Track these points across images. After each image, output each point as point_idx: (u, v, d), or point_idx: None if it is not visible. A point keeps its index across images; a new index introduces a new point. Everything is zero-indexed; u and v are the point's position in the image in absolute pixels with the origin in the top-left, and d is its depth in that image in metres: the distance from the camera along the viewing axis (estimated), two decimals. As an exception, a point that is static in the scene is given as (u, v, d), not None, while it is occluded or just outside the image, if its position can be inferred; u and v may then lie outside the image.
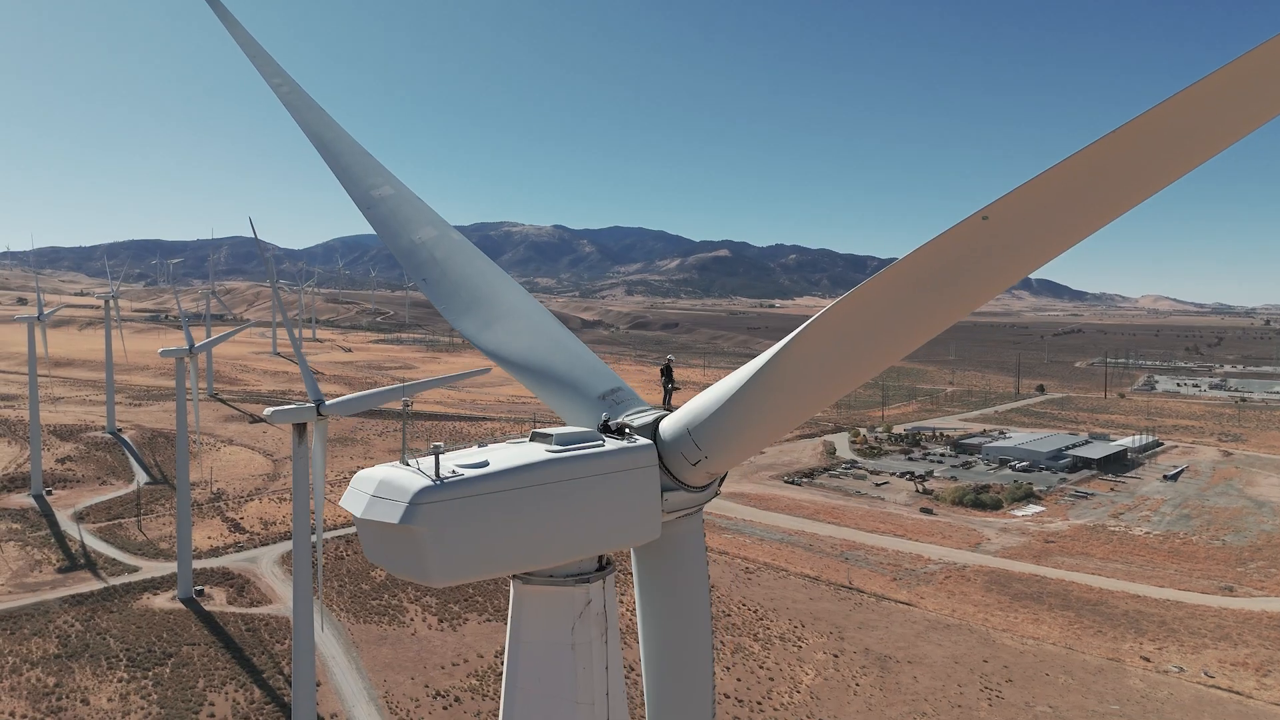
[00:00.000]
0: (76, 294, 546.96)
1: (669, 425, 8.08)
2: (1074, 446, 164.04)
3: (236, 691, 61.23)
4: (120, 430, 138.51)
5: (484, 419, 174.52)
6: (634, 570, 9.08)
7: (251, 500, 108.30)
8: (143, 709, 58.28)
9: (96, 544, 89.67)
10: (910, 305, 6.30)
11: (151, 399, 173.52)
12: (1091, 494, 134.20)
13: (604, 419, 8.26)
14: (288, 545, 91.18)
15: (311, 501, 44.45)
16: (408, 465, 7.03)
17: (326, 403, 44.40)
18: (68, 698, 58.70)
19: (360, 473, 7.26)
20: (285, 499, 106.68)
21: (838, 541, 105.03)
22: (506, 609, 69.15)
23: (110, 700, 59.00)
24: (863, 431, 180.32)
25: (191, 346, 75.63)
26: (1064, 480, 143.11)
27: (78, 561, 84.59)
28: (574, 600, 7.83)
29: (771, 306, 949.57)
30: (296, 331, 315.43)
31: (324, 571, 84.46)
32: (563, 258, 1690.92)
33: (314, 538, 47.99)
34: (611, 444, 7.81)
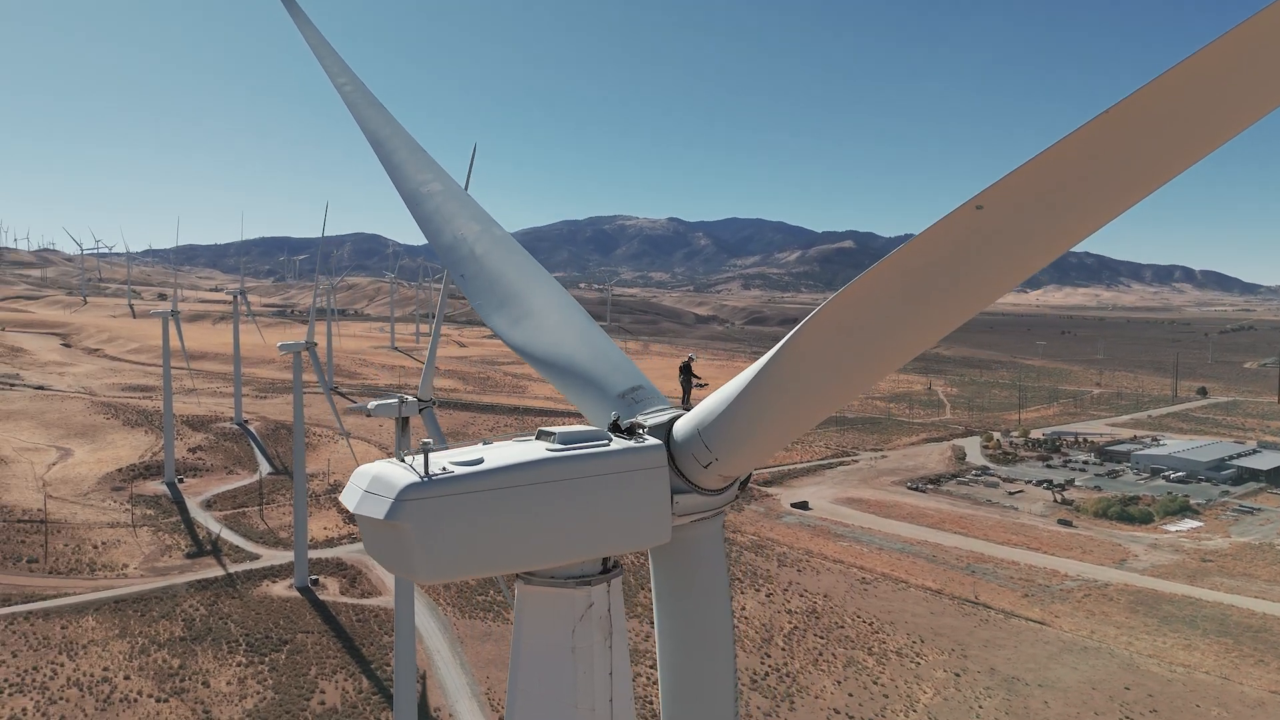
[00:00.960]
0: (211, 290, 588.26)
1: (682, 425, 7.95)
2: (1239, 456, 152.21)
3: (346, 680, 64.43)
4: (246, 421, 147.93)
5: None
6: (651, 575, 8.97)
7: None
8: (258, 694, 62.11)
9: (222, 531, 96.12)
10: (904, 306, 5.99)
11: (276, 391, 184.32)
12: (1258, 509, 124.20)
13: (614, 418, 8.22)
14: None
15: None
16: (402, 461, 7.16)
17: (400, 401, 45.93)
18: (190, 679, 63.20)
19: (359, 468, 7.44)
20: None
21: (964, 553, 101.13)
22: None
23: (229, 684, 63.16)
24: (996, 436, 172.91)
25: (308, 341, 79.98)
26: (1226, 494, 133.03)
27: (204, 548, 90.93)
28: (575, 603, 7.82)
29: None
30: (420, 326, 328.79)
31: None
32: (677, 251, 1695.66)
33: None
34: (617, 444, 7.72)
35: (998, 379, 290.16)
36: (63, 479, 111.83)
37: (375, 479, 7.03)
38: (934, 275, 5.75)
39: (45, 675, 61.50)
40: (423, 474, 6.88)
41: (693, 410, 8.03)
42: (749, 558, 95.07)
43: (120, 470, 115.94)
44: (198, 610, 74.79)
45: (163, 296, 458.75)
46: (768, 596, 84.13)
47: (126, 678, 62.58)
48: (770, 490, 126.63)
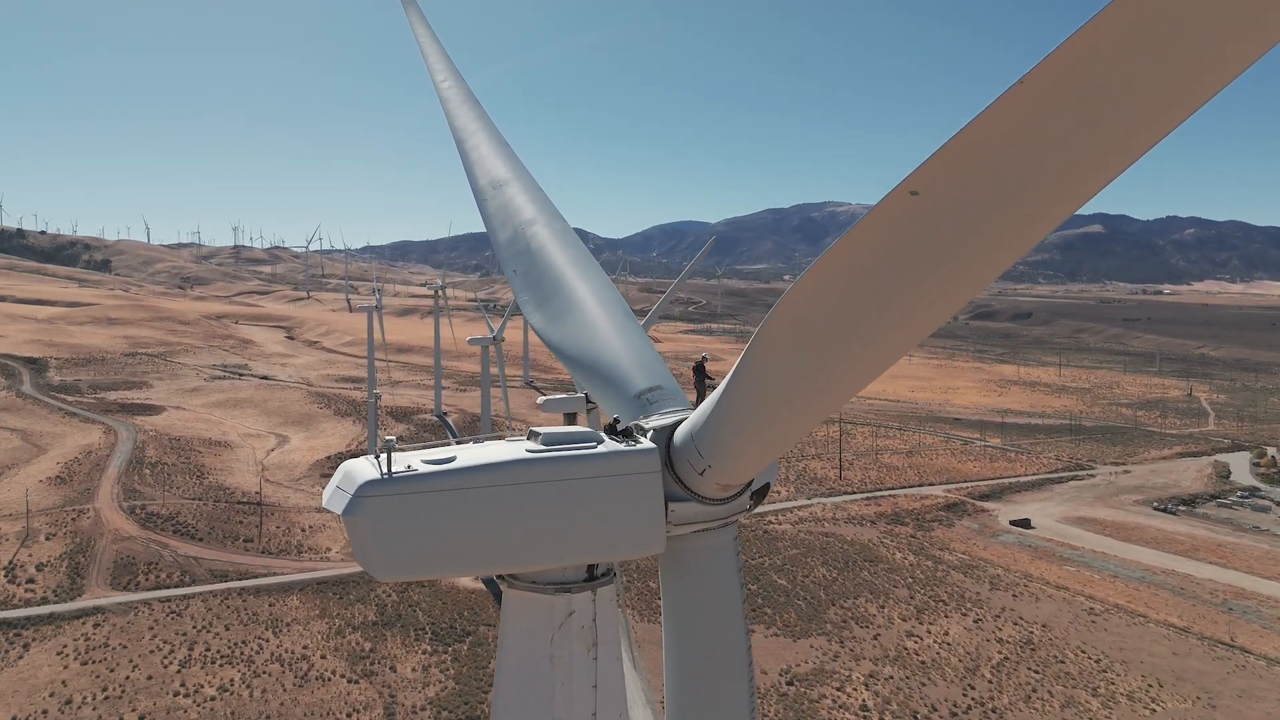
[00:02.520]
0: (421, 285, 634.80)
1: (683, 429, 7.76)
2: None
3: (522, 676, 67.53)
4: (446, 414, 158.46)
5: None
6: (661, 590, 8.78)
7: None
8: (440, 682, 66.43)
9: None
10: (853, 307, 5.53)
11: (476, 385, 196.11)
12: None
13: (612, 419, 8.15)
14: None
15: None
16: (377, 458, 7.41)
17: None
18: (379, 663, 68.61)
19: (343, 463, 7.80)
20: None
21: (1219, 586, 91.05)
22: (793, 623, 69.12)
23: (414, 670, 67.99)
24: (1271, 452, 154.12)
25: (495, 335, 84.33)
26: None
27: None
28: (554, 609, 7.83)
29: (1159, 293, 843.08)
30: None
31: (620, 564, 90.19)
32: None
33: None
34: (606, 446, 7.65)
35: (1277, 385, 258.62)
36: (279, 464, 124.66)
37: (345, 475, 7.34)
38: (879, 274, 5.27)
39: (252, 649, 68.88)
40: (384, 471, 7.11)
41: (694, 412, 7.84)
42: (956, 578, 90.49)
43: (329, 458, 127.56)
44: (389, 596, 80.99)
45: (374, 291, 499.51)
46: (975, 622, 79.71)
47: (323, 657, 68.89)
48: (987, 505, 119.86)
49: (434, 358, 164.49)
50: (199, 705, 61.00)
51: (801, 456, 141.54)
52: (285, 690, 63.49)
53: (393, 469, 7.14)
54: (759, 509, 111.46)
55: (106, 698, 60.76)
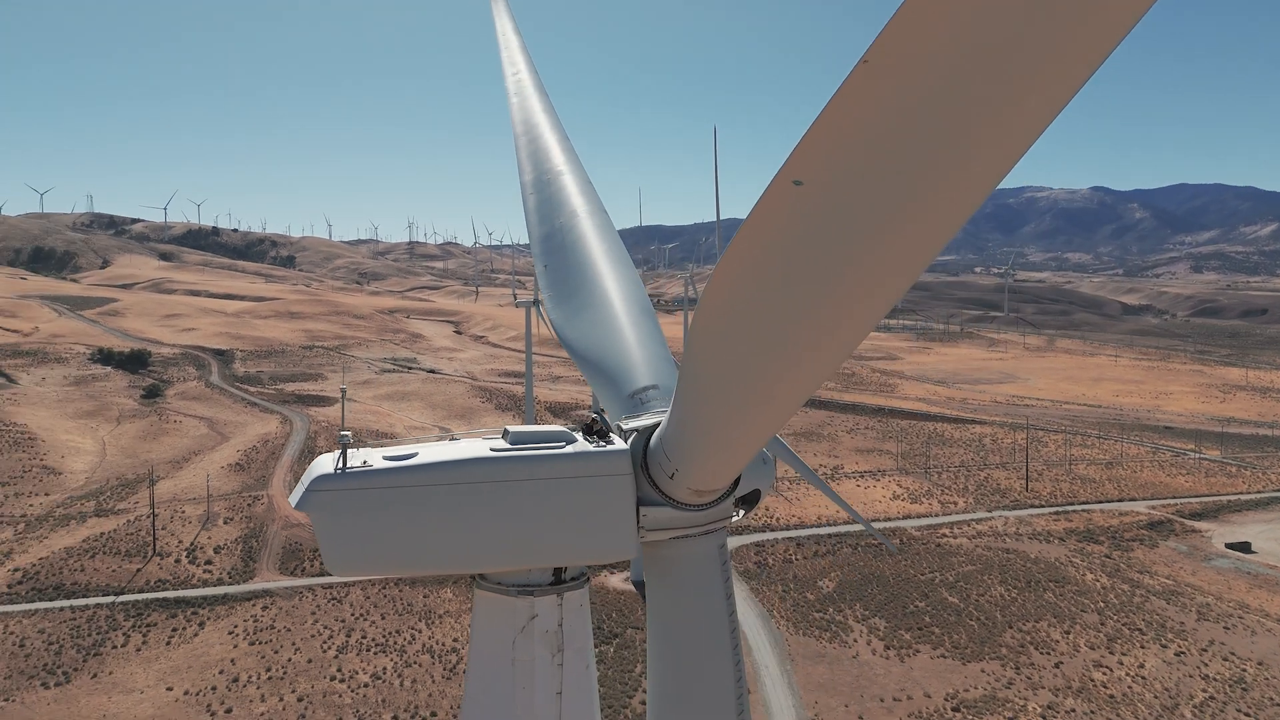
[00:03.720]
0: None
1: (658, 430, 7.63)
2: None
3: (668, 683, 68.06)
4: (604, 411, 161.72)
5: (974, 421, 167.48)
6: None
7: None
8: (585, 683, 67.93)
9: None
10: (768, 307, 5.26)
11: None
12: None
13: (590, 419, 8.09)
14: (735, 540, 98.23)
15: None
16: (344, 453, 7.64)
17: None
18: (526, 659, 70.90)
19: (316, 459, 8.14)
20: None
21: None
22: (964, 645, 66.44)
23: (559, 669, 69.86)
24: None
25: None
26: None
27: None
28: (516, 612, 7.90)
29: None
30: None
31: (769, 574, 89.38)
32: (1103, 226, 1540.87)
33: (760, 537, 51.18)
34: (577, 447, 7.62)
35: None
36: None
37: (310, 469, 7.67)
38: (781, 273, 4.98)
39: (405, 639, 72.74)
40: (338, 466, 7.33)
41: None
42: (1157, 605, 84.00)
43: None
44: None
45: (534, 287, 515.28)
46: (1177, 655, 73.72)
47: (471, 650, 71.91)
48: (1199, 525, 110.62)
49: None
50: (353, 691, 65.01)
51: (984, 465, 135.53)
52: (434, 681, 66.67)
53: (349, 465, 7.42)
54: (814, 530, 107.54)
55: (270, 678, 65.81)
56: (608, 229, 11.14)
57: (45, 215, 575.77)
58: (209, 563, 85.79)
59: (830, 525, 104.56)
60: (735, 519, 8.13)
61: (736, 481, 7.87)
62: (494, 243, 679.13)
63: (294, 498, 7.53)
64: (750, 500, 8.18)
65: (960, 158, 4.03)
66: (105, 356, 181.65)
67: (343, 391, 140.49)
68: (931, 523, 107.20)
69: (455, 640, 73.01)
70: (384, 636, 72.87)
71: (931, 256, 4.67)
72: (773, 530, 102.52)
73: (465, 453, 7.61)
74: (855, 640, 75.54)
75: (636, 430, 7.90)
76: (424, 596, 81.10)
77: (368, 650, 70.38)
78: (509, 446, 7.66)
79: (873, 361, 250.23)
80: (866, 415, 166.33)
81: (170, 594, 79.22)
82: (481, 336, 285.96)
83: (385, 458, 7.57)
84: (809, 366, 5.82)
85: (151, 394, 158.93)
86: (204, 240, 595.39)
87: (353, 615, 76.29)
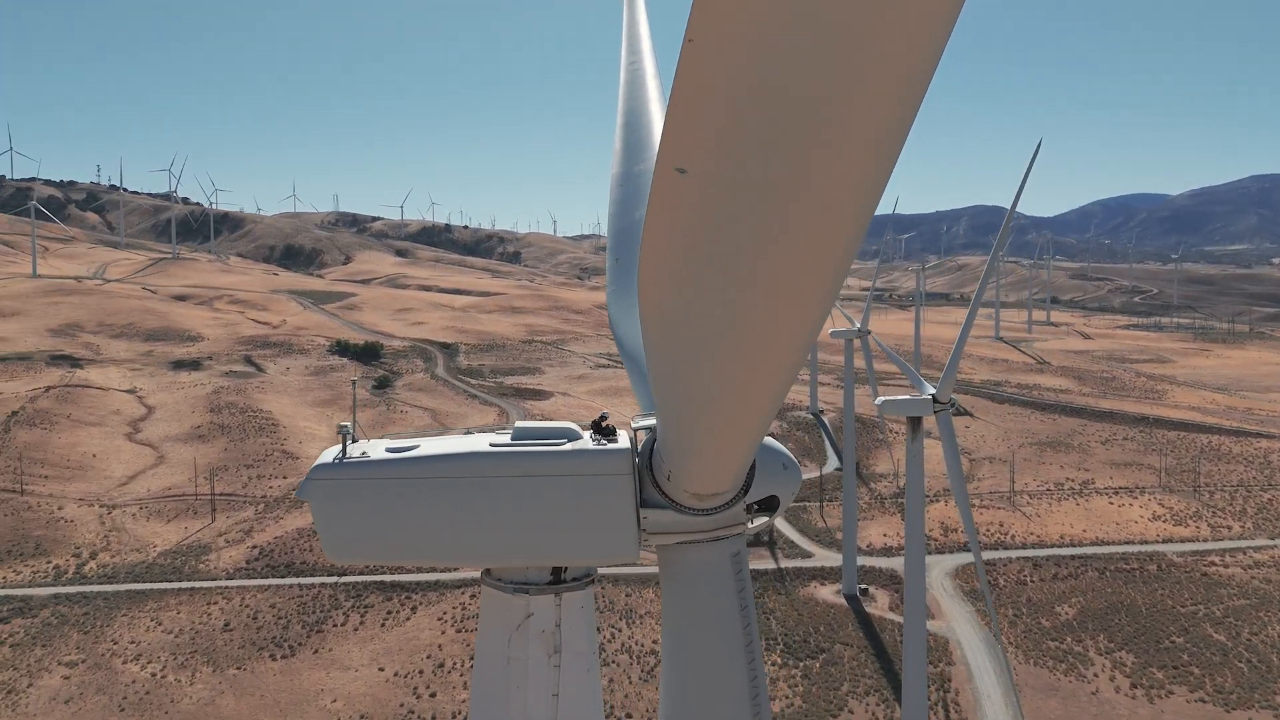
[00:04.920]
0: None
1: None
2: None
3: (878, 705, 66.15)
4: (822, 412, 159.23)
5: (1261, 435, 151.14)
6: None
7: (936, 501, 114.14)
8: (787, 698, 67.24)
9: (780, 524, 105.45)
10: (692, 304, 5.23)
11: (858, 382, 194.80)
12: None
13: (598, 417, 8.32)
14: (965, 557, 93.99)
15: (917, 512, 45.49)
16: (344, 443, 8.31)
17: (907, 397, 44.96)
18: (726, 667, 71.10)
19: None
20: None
21: None
22: (1229, 689, 60.82)
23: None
24: None
25: (861, 328, 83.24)
26: None
27: (760, 538, 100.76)
28: (512, 609, 8.15)
29: None
30: (1034, 313, 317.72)
31: (998, 597, 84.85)
32: None
33: (973, 554, 49.42)
34: (577, 444, 7.86)
35: None
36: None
37: (317, 459, 8.29)
38: (694, 267, 4.91)
39: (604, 637, 74.85)
40: (339, 456, 7.96)
41: None
42: None
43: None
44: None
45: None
46: None
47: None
48: None
49: (810, 351, 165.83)
50: (551, 685, 67.70)
51: (1269, 486, 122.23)
52: (631, 683, 68.26)
53: (348, 455, 8.10)
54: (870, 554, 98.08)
55: (473, 665, 69.60)
56: None
57: (296, 215, 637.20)
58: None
59: (1074, 546, 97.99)
60: (752, 527, 8.02)
61: (748, 487, 7.80)
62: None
63: (299, 487, 8.27)
64: (768, 506, 8.11)
65: (812, 127, 3.82)
66: (342, 348, 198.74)
67: (353, 384, 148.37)
68: (1198, 548, 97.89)
69: (655, 642, 74.36)
70: (584, 633, 75.34)
71: (839, 233, 4.47)
72: (1006, 549, 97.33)
73: (463, 447, 8.07)
74: (1096, 675, 70.36)
75: (644, 429, 7.97)
76: (626, 595, 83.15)
77: (567, 646, 73.08)
78: (509, 442, 8.01)
79: (1137, 364, 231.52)
80: (1126, 424, 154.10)
81: (387, 578, 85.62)
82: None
83: (387, 449, 8.17)
84: (751, 364, 5.71)
85: (382, 385, 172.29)
86: (436, 237, 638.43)
87: (555, 610, 79.42)
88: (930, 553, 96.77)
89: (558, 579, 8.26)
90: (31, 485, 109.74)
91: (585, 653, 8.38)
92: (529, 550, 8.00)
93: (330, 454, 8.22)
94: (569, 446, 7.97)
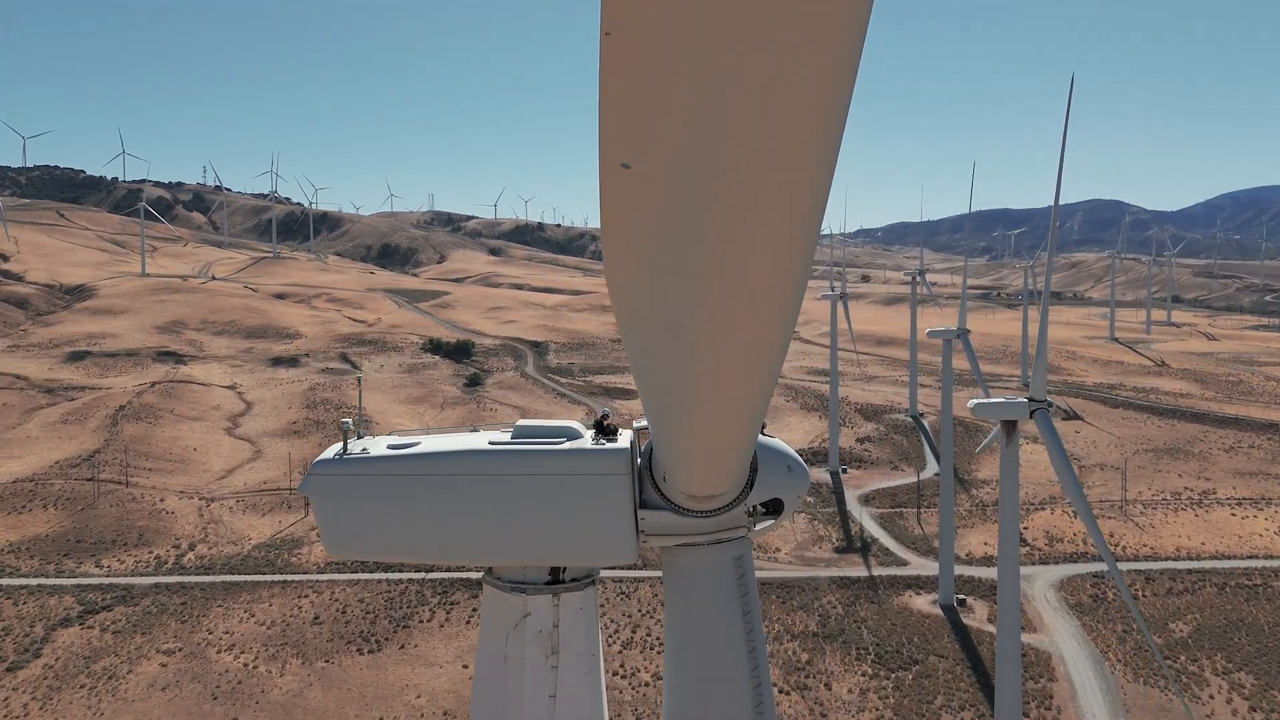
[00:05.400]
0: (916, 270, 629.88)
1: None
2: None
3: (972, 721, 64.55)
4: (922, 415, 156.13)
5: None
6: None
7: (1042, 509, 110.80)
8: (877, 710, 66.15)
9: (874, 530, 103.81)
10: (657, 307, 5.33)
11: (962, 384, 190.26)
12: None
13: (600, 415, 8.28)
14: (1071, 569, 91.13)
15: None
16: (345, 439, 8.53)
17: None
18: (814, 677, 70.28)
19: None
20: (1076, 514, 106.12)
21: None
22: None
23: (850, 691, 68.55)
24: None
25: (959, 328, 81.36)
26: None
27: (854, 544, 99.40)
28: (510, 609, 8.29)
29: None
30: (1153, 313, 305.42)
31: (1106, 611, 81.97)
32: None
33: (1107, 566, 47.89)
34: (574, 444, 7.89)
35: None
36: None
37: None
38: (641, 265, 4.98)
39: (626, 634, 74.78)
40: (339, 453, 8.13)
41: None
42: None
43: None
44: (834, 608, 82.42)
45: (866, 278, 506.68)
46: None
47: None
48: None
49: (909, 351, 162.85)
50: (634, 689, 67.97)
51: None
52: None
53: (349, 452, 8.17)
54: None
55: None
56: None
57: (393, 214, 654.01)
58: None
59: (1191, 559, 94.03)
60: (755, 530, 7.87)
61: (749, 489, 7.50)
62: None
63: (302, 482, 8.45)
64: (773, 509, 8.12)
65: (739, 111, 3.75)
66: (435, 346, 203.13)
67: (358, 380, 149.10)
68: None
69: (740, 648, 74.00)
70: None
71: (785, 225, 4.42)
72: (1116, 561, 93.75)
73: (465, 444, 8.15)
74: (1211, 697, 67.37)
75: (647, 429, 7.88)
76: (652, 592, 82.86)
77: (651, 649, 73.19)
78: (509, 441, 8.09)
79: (1267, 367, 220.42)
80: (1253, 431, 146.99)
81: (473, 575, 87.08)
82: (794, 333, 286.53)
83: (389, 446, 8.32)
84: (718, 363, 5.64)
85: (473, 383, 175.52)
86: (529, 235, 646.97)
87: (639, 612, 79.71)
88: (1033, 563, 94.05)
89: (556, 579, 8.33)
90: (136, 477, 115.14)
91: (584, 654, 8.44)
92: (526, 549, 8.06)
93: (333, 450, 8.39)
94: (566, 446, 8.01)
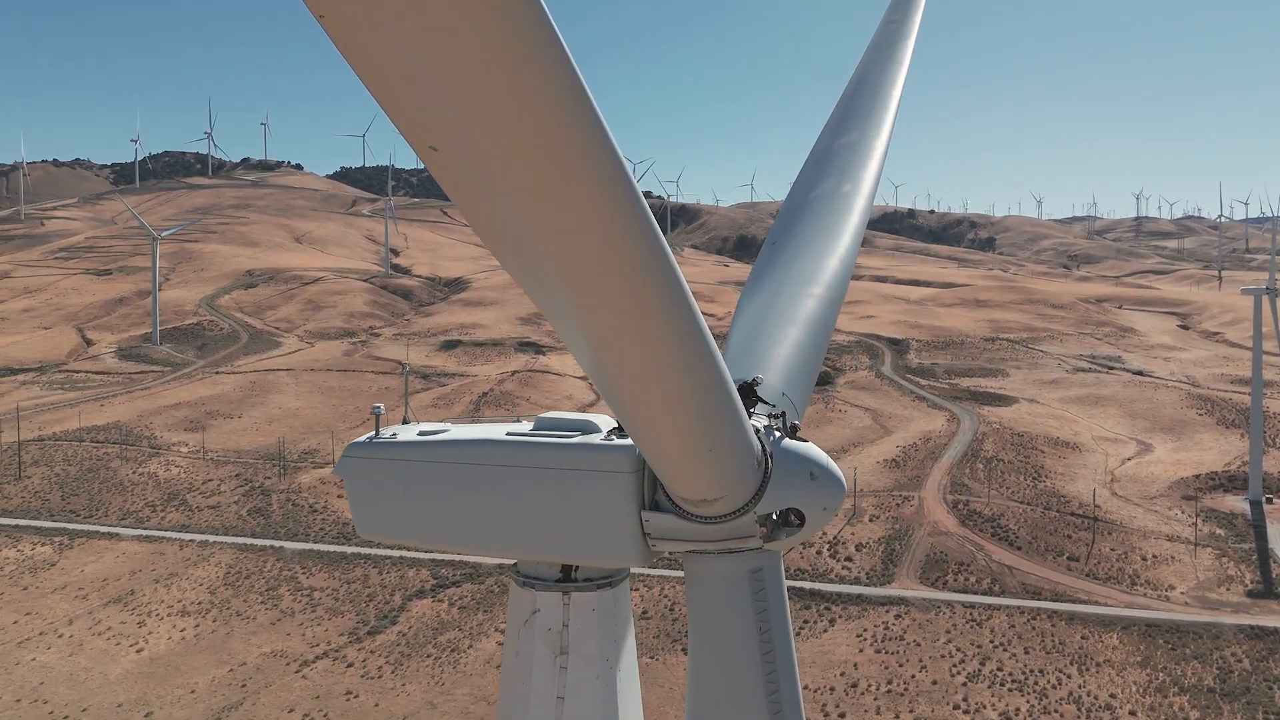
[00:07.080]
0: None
1: None
2: None
3: None
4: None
5: None
6: None
7: None
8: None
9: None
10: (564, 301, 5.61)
11: None
12: None
13: None
14: None
15: None
16: (377, 423, 9.22)
17: None
18: (1205, 740, 62.57)
19: None
20: None
21: None
22: None
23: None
24: None
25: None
26: None
27: (1274, 589, 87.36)
28: (520, 603, 8.65)
29: None
30: None
31: None
32: None
33: None
34: (581, 439, 8.16)
35: None
36: (1132, 476, 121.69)
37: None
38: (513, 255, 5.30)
39: (1049, 681, 69.49)
40: (372, 436, 8.90)
41: None
42: None
43: (1198, 476, 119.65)
44: (1239, 662, 72.96)
45: (1271, 267, 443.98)
46: None
47: (1132, 713, 65.85)
48: None
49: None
50: None
51: None
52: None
53: (380, 436, 8.97)
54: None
55: (889, 691, 68.40)
56: (863, 214, 11.49)
57: (752, 205, 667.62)
58: (849, 559, 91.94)
59: None
60: (774, 544, 7.89)
61: (759, 498, 7.59)
62: (1254, 215, 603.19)
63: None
64: (789, 522, 7.91)
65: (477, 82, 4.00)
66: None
67: (404, 367, 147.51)
68: None
69: (1112, 696, 67.75)
70: (1023, 673, 70.59)
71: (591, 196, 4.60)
72: None
73: (482, 434, 8.76)
74: None
75: None
76: (1082, 637, 76.60)
77: (1001, 685, 68.96)
78: (523, 432, 8.53)
79: None
80: None
81: (807, 584, 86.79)
82: (1216, 333, 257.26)
83: (419, 433, 9.00)
84: (599, 352, 5.81)
85: (821, 382, 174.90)
86: (898, 223, 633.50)
87: (991, 643, 75.35)
88: None
89: (567, 577, 8.64)
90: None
91: (595, 658, 8.61)
92: (537, 544, 8.45)
93: (367, 436, 9.28)
94: (576, 440, 8.26)
